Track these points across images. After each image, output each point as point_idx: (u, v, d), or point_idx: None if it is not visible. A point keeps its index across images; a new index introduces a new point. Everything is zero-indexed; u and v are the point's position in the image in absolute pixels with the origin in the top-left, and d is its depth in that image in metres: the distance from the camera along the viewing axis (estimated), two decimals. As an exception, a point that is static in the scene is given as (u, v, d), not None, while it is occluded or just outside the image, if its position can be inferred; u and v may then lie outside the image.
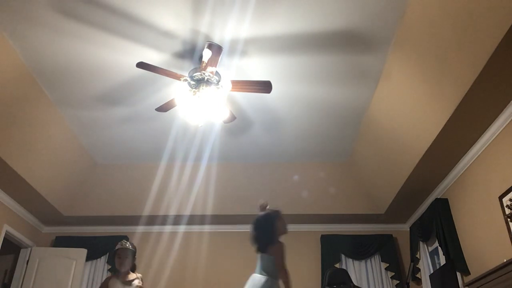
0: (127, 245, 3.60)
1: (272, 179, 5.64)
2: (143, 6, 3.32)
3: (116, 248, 3.60)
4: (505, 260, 3.18)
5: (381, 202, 5.49)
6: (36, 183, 4.91)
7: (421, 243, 5.25)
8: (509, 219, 3.47)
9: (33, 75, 4.01)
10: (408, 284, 4.84)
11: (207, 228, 5.93)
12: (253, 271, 3.17)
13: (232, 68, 3.93)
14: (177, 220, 5.81)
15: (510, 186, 3.49)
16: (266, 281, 2.88)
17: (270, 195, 5.68)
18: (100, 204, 5.68)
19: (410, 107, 3.99)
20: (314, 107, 4.51)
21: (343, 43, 3.67)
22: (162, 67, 3.63)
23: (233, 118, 4.23)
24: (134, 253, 3.64)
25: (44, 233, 6.07)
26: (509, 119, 3.49)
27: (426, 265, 5.17)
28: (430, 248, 5.18)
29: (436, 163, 4.35)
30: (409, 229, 5.67)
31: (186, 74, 3.76)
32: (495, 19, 2.73)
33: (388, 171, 4.96)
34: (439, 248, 4.70)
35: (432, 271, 5.00)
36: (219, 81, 3.78)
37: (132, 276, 3.56)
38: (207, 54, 3.42)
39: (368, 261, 5.67)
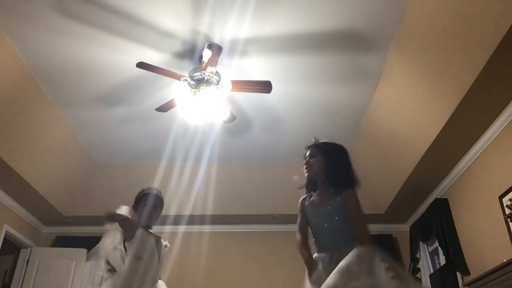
0: (158, 192, 2.71)
1: (272, 179, 5.64)
2: (143, 6, 3.32)
3: (144, 192, 2.66)
4: (505, 260, 3.18)
5: (381, 202, 5.49)
6: (36, 183, 4.91)
7: (421, 243, 5.25)
8: (509, 219, 3.47)
9: (33, 75, 4.01)
10: (408, 284, 4.83)
11: (207, 228, 5.93)
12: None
13: (232, 68, 3.92)
14: (177, 220, 5.81)
15: (510, 186, 3.49)
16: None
17: (270, 195, 5.68)
18: (100, 204, 5.67)
19: (410, 107, 3.99)
20: (314, 107, 4.51)
21: (343, 43, 3.67)
22: (162, 67, 3.63)
23: (233, 118, 4.23)
24: (163, 206, 2.74)
25: (44, 233, 6.07)
26: (509, 119, 3.49)
27: (426, 265, 5.17)
28: (430, 248, 5.18)
29: (436, 163, 4.34)
30: (409, 229, 5.67)
31: (186, 74, 3.76)
32: (495, 19, 2.73)
33: (388, 171, 4.96)
34: (439, 248, 4.70)
35: (432, 271, 5.01)
36: (219, 81, 3.78)
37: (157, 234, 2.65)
38: (207, 54, 3.42)
39: (368, 261, 5.66)
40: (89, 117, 4.67)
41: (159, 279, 2.60)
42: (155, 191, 2.67)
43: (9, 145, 4.27)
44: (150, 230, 2.61)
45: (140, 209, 2.58)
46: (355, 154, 5.37)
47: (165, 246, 2.66)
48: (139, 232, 2.45)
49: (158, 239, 2.59)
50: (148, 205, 2.58)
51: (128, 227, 2.44)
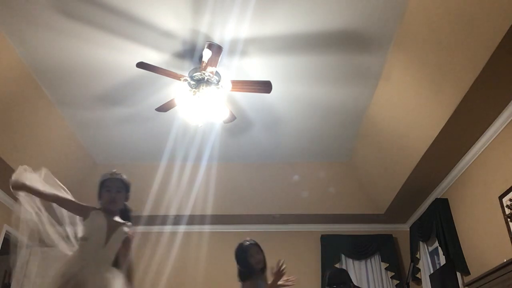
0: (120, 175, 2.63)
1: (272, 179, 5.64)
2: (143, 6, 3.32)
3: (104, 178, 2.65)
4: (505, 260, 3.18)
5: (381, 202, 5.49)
6: (36, 183, 4.91)
7: (421, 243, 5.25)
8: (509, 219, 3.47)
9: (33, 75, 4.01)
10: (408, 284, 4.83)
11: (207, 228, 5.93)
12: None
13: (232, 68, 3.92)
14: (177, 220, 5.81)
15: (510, 186, 3.49)
16: None
17: (270, 195, 5.68)
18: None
19: (410, 107, 3.99)
20: (314, 107, 4.51)
21: (343, 43, 3.67)
22: (162, 67, 3.63)
23: (233, 118, 4.23)
24: (128, 188, 2.64)
25: (44, 233, 6.07)
26: (509, 119, 3.49)
27: (426, 265, 5.16)
28: (430, 248, 5.18)
29: (436, 163, 4.34)
30: (409, 229, 5.67)
31: (186, 74, 3.76)
32: (495, 19, 2.73)
33: (388, 171, 4.96)
34: (439, 248, 4.70)
35: (432, 271, 5.00)
36: (219, 81, 3.78)
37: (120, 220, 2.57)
38: (207, 54, 3.43)
39: (368, 261, 5.67)
40: (89, 117, 4.67)
41: (132, 277, 2.49)
42: (117, 175, 2.64)
43: (9, 145, 4.27)
44: (115, 218, 2.55)
45: (103, 198, 2.63)
46: (355, 154, 5.39)
47: (125, 233, 2.49)
48: (93, 213, 2.53)
49: (115, 224, 2.51)
50: (112, 191, 2.60)
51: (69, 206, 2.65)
